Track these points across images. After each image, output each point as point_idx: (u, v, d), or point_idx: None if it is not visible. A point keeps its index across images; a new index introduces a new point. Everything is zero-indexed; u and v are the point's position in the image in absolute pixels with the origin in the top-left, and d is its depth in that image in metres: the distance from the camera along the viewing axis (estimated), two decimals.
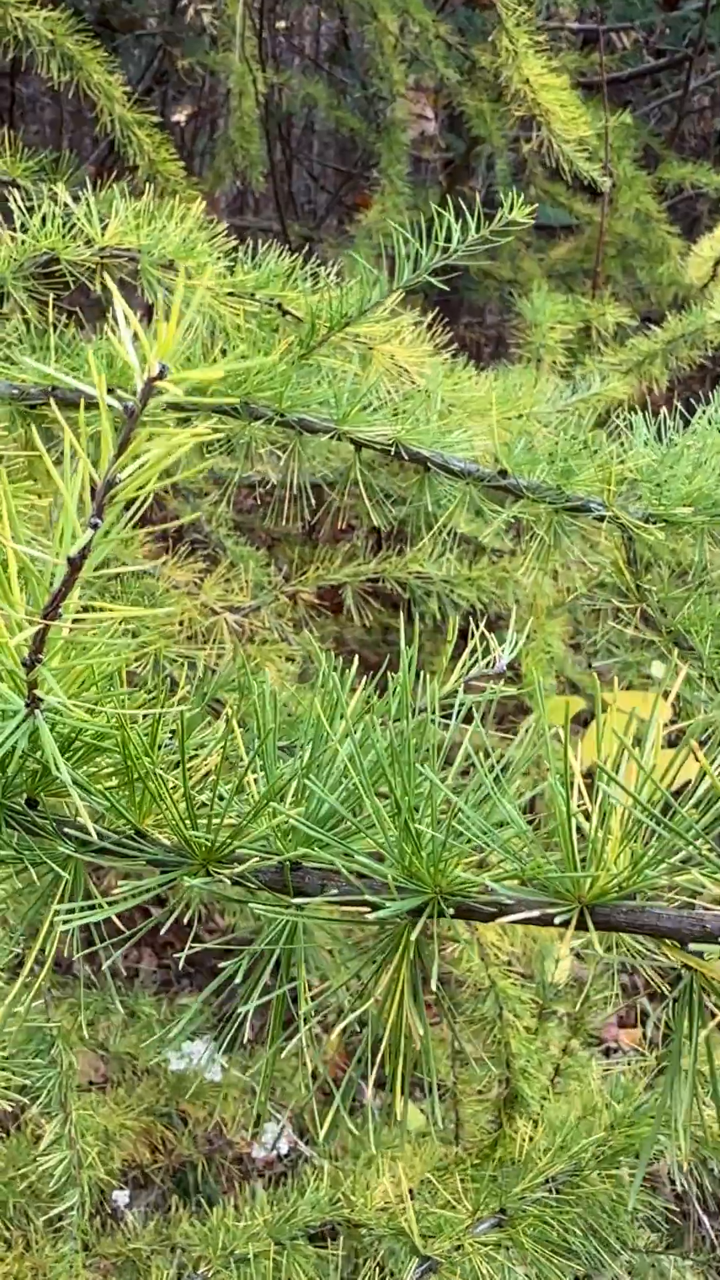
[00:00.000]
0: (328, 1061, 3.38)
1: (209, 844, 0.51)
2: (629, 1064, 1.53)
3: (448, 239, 1.05)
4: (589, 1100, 1.38)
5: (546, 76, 2.20)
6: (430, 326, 1.42)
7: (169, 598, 1.32)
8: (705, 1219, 2.60)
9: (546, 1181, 1.14)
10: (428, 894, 0.49)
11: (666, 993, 1.26)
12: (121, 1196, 2.79)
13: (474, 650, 0.68)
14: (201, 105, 4.89)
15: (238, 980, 0.51)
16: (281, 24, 5.41)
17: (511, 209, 1.05)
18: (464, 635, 0.78)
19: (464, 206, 1.16)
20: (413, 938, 0.48)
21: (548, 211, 4.54)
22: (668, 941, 0.47)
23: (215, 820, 0.50)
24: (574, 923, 0.47)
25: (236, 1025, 0.59)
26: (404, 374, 1.39)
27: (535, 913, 0.47)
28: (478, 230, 1.05)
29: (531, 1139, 1.13)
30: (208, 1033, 2.45)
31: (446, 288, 1.04)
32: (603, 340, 2.78)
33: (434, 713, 0.53)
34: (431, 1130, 2.27)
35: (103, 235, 1.14)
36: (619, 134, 3.39)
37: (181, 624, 1.36)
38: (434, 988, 0.49)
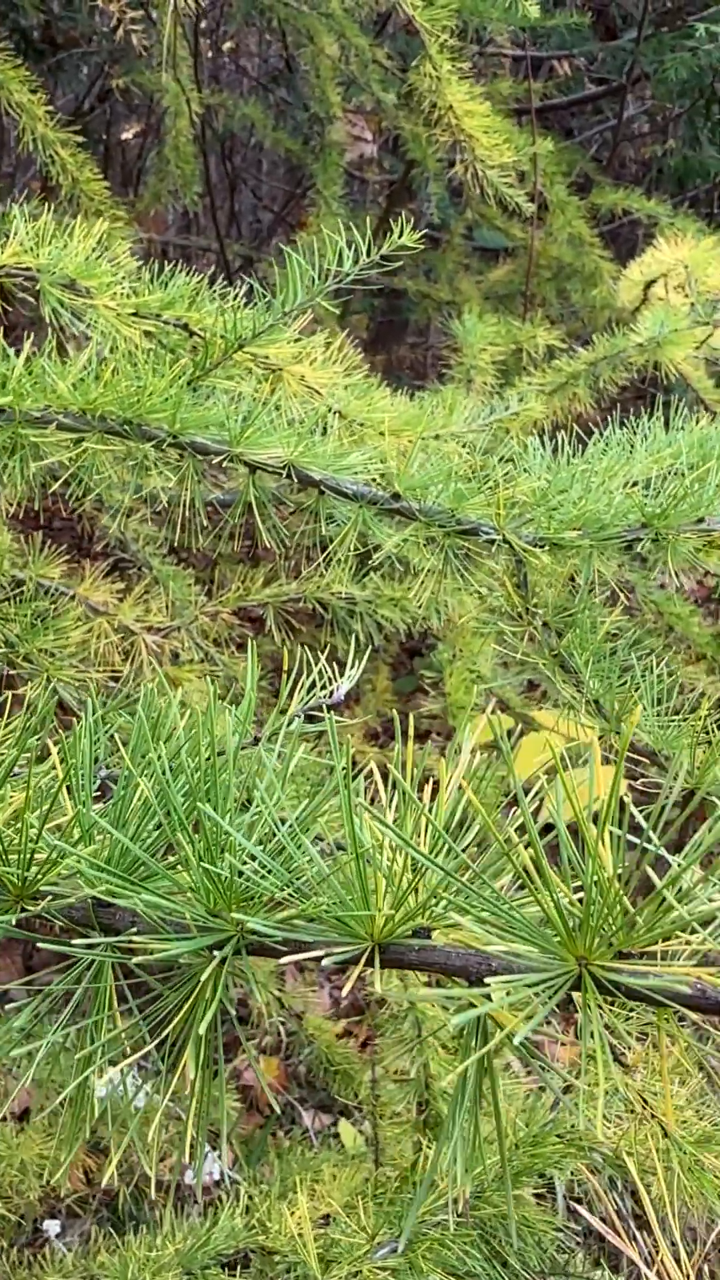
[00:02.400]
0: (270, 1086, 3.35)
1: (19, 880, 0.50)
2: (539, 1085, 1.53)
3: (340, 263, 1.06)
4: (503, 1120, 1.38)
5: (470, 103, 2.22)
6: (342, 347, 1.43)
7: (67, 617, 1.30)
8: (639, 1237, 2.61)
9: (448, 1204, 1.14)
10: (229, 932, 0.48)
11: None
12: (53, 1226, 2.74)
13: (313, 682, 0.68)
14: (149, 122, 4.89)
15: (18, 1025, 0.51)
16: (229, 45, 5.43)
17: (401, 234, 1.07)
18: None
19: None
20: (204, 977, 0.47)
21: (486, 235, 4.60)
22: (455, 980, 0.47)
23: (24, 857, 0.50)
24: (363, 960, 0.47)
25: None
26: (315, 396, 1.39)
27: (321, 952, 0.47)
28: (369, 254, 1.06)
29: (429, 1160, 1.12)
30: (133, 1057, 2.42)
31: (337, 310, 1.04)
32: (533, 362, 2.82)
33: (275, 741, 0.52)
34: (367, 1153, 2.25)
35: (1, 254, 1.13)
36: (553, 159, 3.44)
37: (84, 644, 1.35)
38: (231, 1027, 0.49)
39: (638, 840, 0.44)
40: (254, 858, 0.48)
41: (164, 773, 0.49)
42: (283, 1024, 2.50)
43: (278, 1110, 3.01)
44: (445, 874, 0.45)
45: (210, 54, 4.90)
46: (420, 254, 4.59)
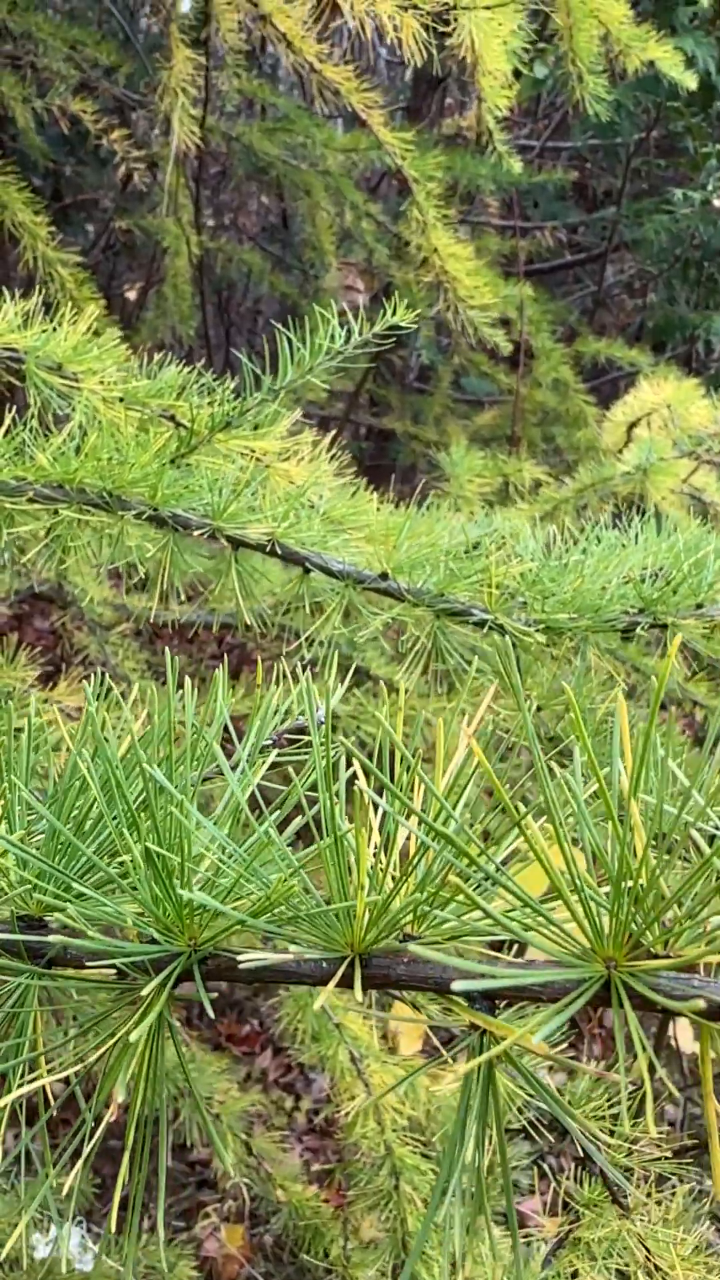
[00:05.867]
0: (233, 1257, 3.09)
1: None
2: (535, 1240, 1.39)
3: (332, 340, 1.05)
4: None
5: (454, 246, 2.31)
6: (330, 446, 1.42)
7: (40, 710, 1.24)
8: None
9: None
10: (179, 947, 0.41)
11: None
12: None
13: (290, 705, 0.62)
14: (152, 270, 5.09)
15: None
16: (228, 218, 5.70)
17: (395, 312, 1.06)
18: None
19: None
20: (144, 992, 0.39)
21: (474, 384, 4.74)
22: (455, 998, 0.40)
23: None
24: (338, 975, 0.39)
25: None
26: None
27: (290, 964, 0.39)
28: (361, 333, 1.05)
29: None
30: (81, 1213, 2.22)
31: (328, 385, 1.03)
32: (520, 495, 2.85)
33: (247, 764, 0.46)
34: None
35: None
36: (538, 309, 3.57)
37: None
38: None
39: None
40: (214, 857, 0.41)
41: (114, 766, 0.42)
42: (247, 1185, 2.32)
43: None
44: (450, 842, 0.38)
45: (210, 213, 5.14)
46: (408, 398, 4.71)
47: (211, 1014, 0.36)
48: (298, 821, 0.45)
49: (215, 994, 0.40)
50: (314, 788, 0.42)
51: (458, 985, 0.35)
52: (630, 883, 0.36)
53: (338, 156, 3.33)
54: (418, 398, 4.52)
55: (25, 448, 1.01)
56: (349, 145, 3.26)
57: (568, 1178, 1.15)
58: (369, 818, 0.41)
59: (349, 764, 0.43)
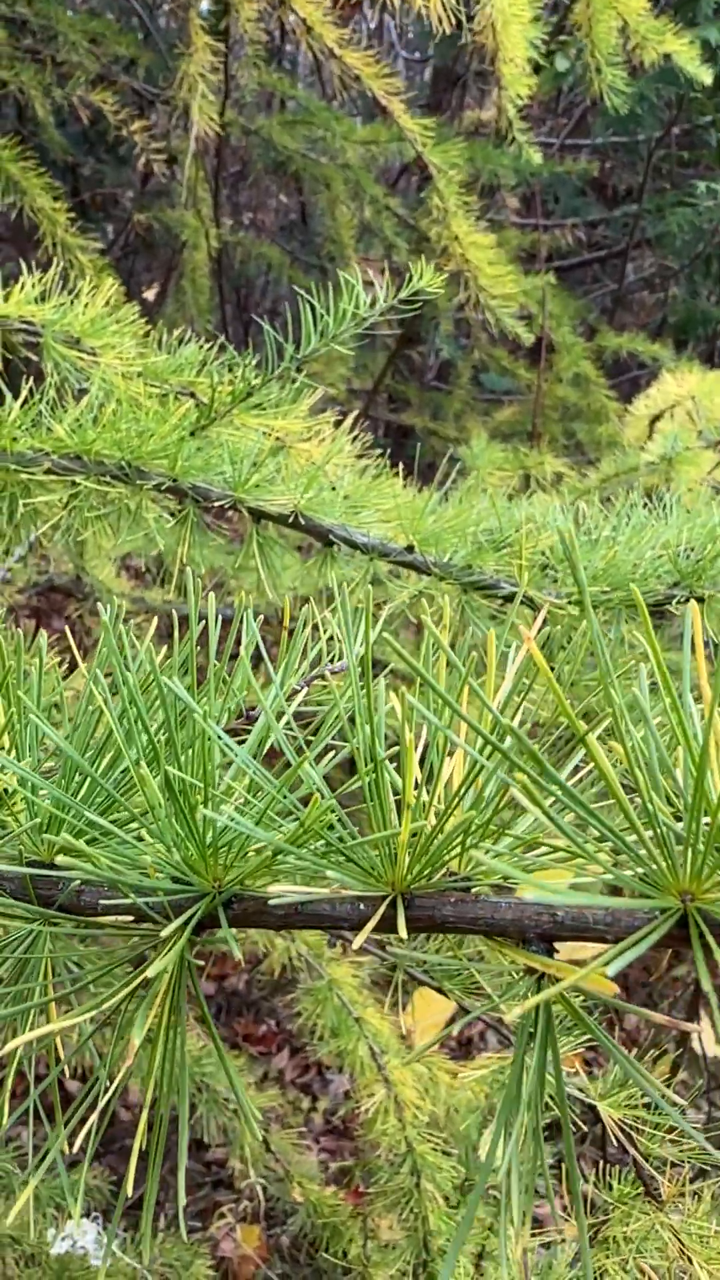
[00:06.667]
0: (249, 1258, 3.06)
1: None
2: (560, 1242, 1.35)
3: (357, 307, 1.02)
4: None
5: (475, 235, 2.28)
6: (353, 429, 1.39)
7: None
8: None
9: None
10: (205, 889, 0.38)
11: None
12: None
13: (320, 649, 0.59)
14: (170, 275, 5.08)
15: None
16: (247, 217, 5.69)
17: (421, 278, 1.04)
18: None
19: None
20: (165, 934, 0.36)
21: (494, 380, 4.71)
22: (505, 941, 0.36)
23: None
24: (377, 918, 0.36)
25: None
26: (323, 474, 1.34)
27: (324, 905, 0.36)
28: (386, 300, 1.03)
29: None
30: (101, 1210, 2.20)
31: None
32: (541, 487, 2.81)
33: (280, 708, 0.44)
34: None
35: (3, 304, 1.10)
36: (559, 303, 3.54)
37: None
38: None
39: None
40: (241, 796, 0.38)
41: (133, 691, 0.40)
42: (263, 1186, 2.29)
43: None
44: (519, 745, 0.35)
45: (229, 212, 5.12)
46: (427, 395, 4.68)
47: (239, 956, 0.33)
48: (332, 757, 0.42)
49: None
50: (348, 726, 0.40)
51: (528, 894, 0.32)
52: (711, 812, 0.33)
53: (357, 149, 3.31)
54: (437, 394, 4.49)
55: (42, 418, 0.98)
56: (369, 137, 3.24)
57: (594, 1178, 1.12)
58: (410, 733, 0.38)
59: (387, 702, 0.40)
